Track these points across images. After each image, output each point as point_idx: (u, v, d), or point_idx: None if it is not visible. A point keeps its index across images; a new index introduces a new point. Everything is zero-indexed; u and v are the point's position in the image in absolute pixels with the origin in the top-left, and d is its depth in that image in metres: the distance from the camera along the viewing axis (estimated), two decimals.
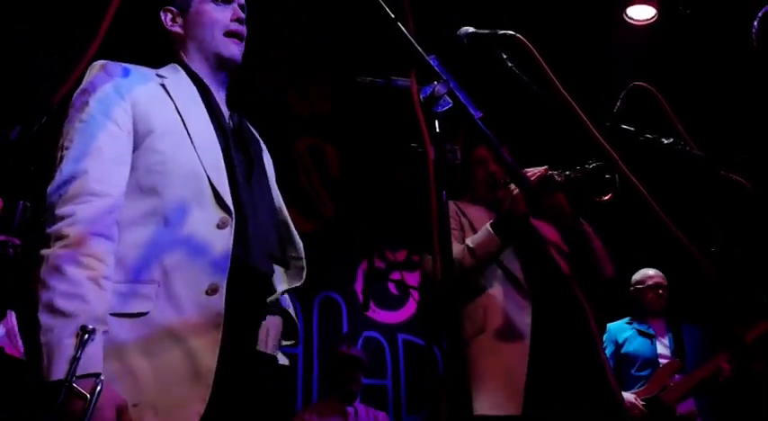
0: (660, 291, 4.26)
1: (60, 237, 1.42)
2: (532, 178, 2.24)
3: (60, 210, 1.45)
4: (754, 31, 2.29)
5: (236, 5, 1.84)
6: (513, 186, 2.28)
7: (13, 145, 0.76)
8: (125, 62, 1.71)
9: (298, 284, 1.76)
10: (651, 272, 4.36)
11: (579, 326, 2.38)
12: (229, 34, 1.81)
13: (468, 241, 2.37)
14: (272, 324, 1.66)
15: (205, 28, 1.80)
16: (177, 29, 1.83)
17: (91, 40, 0.92)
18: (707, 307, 4.06)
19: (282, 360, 1.70)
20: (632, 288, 4.39)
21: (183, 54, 1.83)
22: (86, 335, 1.31)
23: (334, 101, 5.53)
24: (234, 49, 1.82)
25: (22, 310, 1.45)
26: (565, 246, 2.56)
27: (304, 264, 1.79)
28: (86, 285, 1.40)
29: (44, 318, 1.36)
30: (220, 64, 1.82)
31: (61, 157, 1.51)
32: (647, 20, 4.94)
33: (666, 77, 4.76)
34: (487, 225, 2.36)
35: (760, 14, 2.25)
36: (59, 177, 1.48)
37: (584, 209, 2.43)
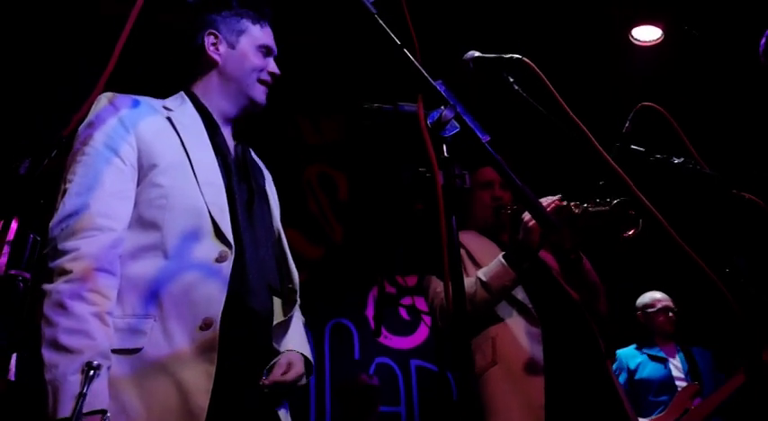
0: (670, 314, 4.24)
1: (63, 272, 1.42)
2: (548, 208, 2.18)
3: (63, 245, 1.45)
4: (761, 48, 2.29)
5: (272, 59, 1.91)
6: (526, 215, 2.22)
7: (22, 178, 0.76)
8: (131, 87, 1.73)
9: (290, 315, 1.74)
10: (658, 295, 4.33)
11: (591, 352, 2.32)
12: (262, 82, 1.87)
13: (481, 274, 2.29)
14: (294, 358, 1.67)
15: (245, 70, 1.84)
16: (216, 56, 1.85)
17: (100, 72, 0.93)
18: (720, 329, 4.02)
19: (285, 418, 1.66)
20: (640, 312, 4.34)
21: (201, 80, 1.85)
22: (92, 372, 1.30)
23: (343, 127, 5.57)
24: (263, 96, 1.87)
25: (27, 344, 1.45)
26: (563, 276, 2.49)
27: (297, 297, 1.79)
28: (91, 321, 1.40)
29: (48, 355, 1.35)
30: (246, 104, 1.86)
31: (64, 191, 1.52)
32: (654, 41, 4.95)
33: (674, 97, 4.77)
34: (500, 257, 2.28)
35: (767, 31, 2.25)
36: (62, 211, 1.48)
37: (607, 243, 2.36)
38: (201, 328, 1.48)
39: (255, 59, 1.85)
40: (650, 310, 4.28)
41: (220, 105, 1.83)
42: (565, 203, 2.23)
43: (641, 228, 2.12)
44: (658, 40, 4.92)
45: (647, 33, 4.92)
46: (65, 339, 1.36)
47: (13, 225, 1.41)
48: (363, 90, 4.73)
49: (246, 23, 1.87)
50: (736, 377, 3.78)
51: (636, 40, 4.94)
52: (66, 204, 1.49)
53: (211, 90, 1.84)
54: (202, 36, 1.85)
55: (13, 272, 0.73)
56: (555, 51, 4.65)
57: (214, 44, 1.85)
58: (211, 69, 1.84)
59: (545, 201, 2.23)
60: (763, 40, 2.29)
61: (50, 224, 1.47)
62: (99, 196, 1.52)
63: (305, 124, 5.30)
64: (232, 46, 1.85)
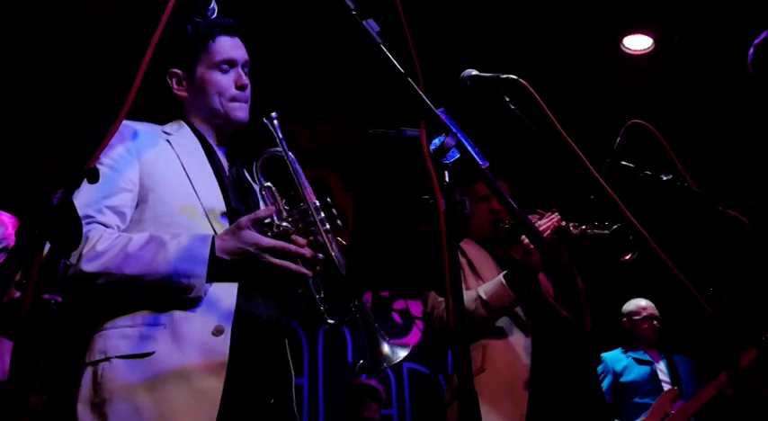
0: (654, 322, 4.33)
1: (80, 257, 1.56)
2: (546, 231, 2.24)
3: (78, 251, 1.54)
4: (749, 59, 2.33)
5: (239, 69, 1.88)
6: (525, 238, 2.28)
7: (55, 209, 0.81)
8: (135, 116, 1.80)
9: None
10: (643, 303, 4.41)
11: (578, 367, 2.38)
12: (233, 100, 1.87)
13: (481, 292, 2.35)
14: None
15: (211, 96, 1.85)
16: (183, 92, 1.88)
17: (120, 104, 0.98)
18: (701, 340, 4.11)
19: None
20: (625, 319, 4.43)
21: (187, 114, 1.91)
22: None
23: (337, 131, 5.61)
24: (240, 114, 1.88)
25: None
26: (555, 294, 2.55)
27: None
28: (122, 235, 1.60)
29: (144, 265, 1.54)
30: (227, 125, 1.89)
31: None
32: (645, 49, 5.02)
33: (665, 106, 4.85)
34: (501, 278, 2.34)
35: (756, 42, 2.29)
36: None
37: (605, 266, 2.41)
38: (213, 334, 1.54)
39: (219, 82, 1.85)
40: (636, 318, 4.36)
41: (205, 130, 1.89)
42: (564, 224, 2.29)
43: (639, 252, 2.18)
44: (649, 49, 4.99)
45: (637, 42, 4.99)
46: (132, 248, 1.55)
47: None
48: (360, 93, 4.78)
49: (198, 47, 1.86)
50: (715, 380, 3.87)
51: (627, 48, 5.01)
52: None
53: (196, 119, 1.90)
54: (167, 77, 1.88)
55: (46, 296, 0.78)
56: (546, 60, 4.72)
57: (178, 81, 1.88)
58: (189, 103, 1.89)
59: (544, 220, 2.29)
60: (752, 50, 2.34)
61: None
62: (99, 208, 1.63)
63: (300, 129, 5.34)
64: (191, 77, 1.86)
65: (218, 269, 1.58)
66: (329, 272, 1.71)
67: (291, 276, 1.65)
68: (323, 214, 1.68)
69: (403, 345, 1.67)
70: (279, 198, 1.77)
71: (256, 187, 1.89)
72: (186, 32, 1.86)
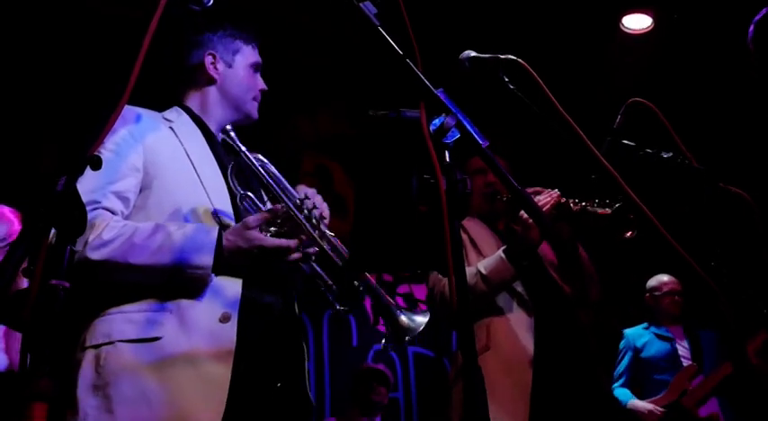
0: (676, 298, 4.29)
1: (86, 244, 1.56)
2: (546, 206, 2.25)
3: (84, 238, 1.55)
4: (750, 36, 2.32)
5: (260, 76, 2.04)
6: (524, 213, 2.29)
7: (60, 195, 0.82)
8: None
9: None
10: (665, 278, 4.38)
11: (580, 345, 2.40)
12: (255, 99, 2.01)
13: (481, 267, 2.37)
14: None
15: (242, 88, 1.97)
16: (215, 74, 1.96)
17: (121, 90, 0.99)
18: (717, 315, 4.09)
19: None
20: (648, 294, 4.41)
21: (195, 95, 1.95)
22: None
23: (338, 118, 5.61)
24: (255, 113, 2.02)
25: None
26: (559, 266, 2.57)
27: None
28: (127, 224, 1.61)
29: (151, 254, 1.56)
30: (241, 117, 1.99)
31: None
32: (644, 29, 4.99)
33: (665, 85, 4.83)
34: (501, 253, 2.36)
35: (756, 19, 2.28)
36: None
37: (607, 243, 2.42)
38: (221, 321, 1.56)
39: (250, 78, 1.99)
40: (657, 294, 4.34)
41: (218, 119, 1.95)
42: (563, 200, 2.31)
43: (639, 229, 2.20)
44: (648, 29, 4.97)
45: (637, 21, 4.96)
46: (138, 238, 1.56)
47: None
48: (360, 81, 4.78)
49: (240, 44, 2.00)
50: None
51: (626, 28, 4.99)
52: None
53: (209, 105, 1.95)
54: (202, 55, 1.95)
55: (54, 282, 0.79)
56: (545, 40, 4.70)
57: (213, 63, 1.96)
58: (209, 86, 1.96)
59: (543, 196, 2.30)
60: (752, 28, 2.33)
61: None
62: (105, 193, 1.64)
63: (301, 118, 5.34)
64: (229, 65, 1.98)
65: (223, 263, 1.61)
66: (326, 262, 1.74)
67: (294, 272, 1.73)
68: (306, 210, 1.69)
69: (422, 312, 1.69)
70: (259, 204, 1.80)
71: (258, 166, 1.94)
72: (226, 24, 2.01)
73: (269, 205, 1.81)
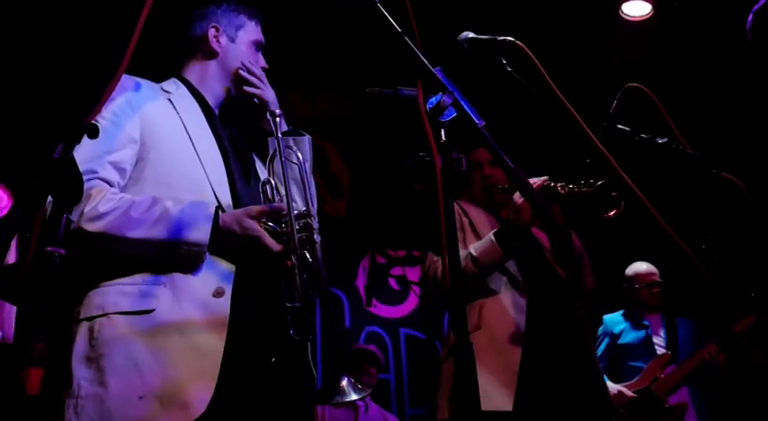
0: (654, 289, 4.28)
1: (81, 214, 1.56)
2: (535, 188, 2.28)
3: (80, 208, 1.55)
4: (748, 25, 2.32)
5: (261, 54, 2.02)
6: (516, 196, 2.32)
7: (57, 163, 0.82)
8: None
9: None
10: (644, 267, 4.36)
11: (573, 328, 2.43)
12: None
13: (472, 249, 2.40)
14: None
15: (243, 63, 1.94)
16: (218, 47, 1.95)
17: (119, 58, 0.98)
18: (698, 301, 4.12)
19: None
20: (625, 284, 4.41)
21: (195, 67, 1.94)
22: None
23: (334, 100, 5.59)
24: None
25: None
26: (553, 252, 2.59)
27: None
28: (124, 197, 1.60)
29: (148, 228, 1.56)
30: (238, 93, 1.96)
31: None
32: (643, 16, 4.98)
33: (663, 72, 4.83)
34: (491, 235, 2.39)
35: (755, 9, 2.28)
36: None
37: (590, 223, 2.45)
38: (214, 296, 1.57)
39: (252, 55, 1.97)
40: (635, 285, 4.35)
41: (216, 92, 1.94)
42: (551, 184, 2.32)
43: (623, 208, 2.21)
44: (648, 16, 4.96)
45: (636, 8, 4.95)
46: (134, 212, 1.56)
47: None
48: (358, 63, 4.76)
49: (243, 19, 1.99)
50: (705, 347, 3.92)
51: (625, 14, 4.97)
52: None
53: (208, 78, 1.94)
54: (205, 27, 1.94)
55: (49, 248, 0.79)
56: (544, 25, 4.68)
57: (215, 36, 1.95)
58: (210, 59, 1.95)
59: (532, 181, 2.32)
60: (751, 17, 2.33)
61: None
62: (102, 163, 1.63)
63: (296, 98, 5.32)
64: (232, 39, 1.96)
65: (217, 242, 1.61)
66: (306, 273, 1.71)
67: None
68: (302, 222, 1.68)
69: (363, 390, 1.70)
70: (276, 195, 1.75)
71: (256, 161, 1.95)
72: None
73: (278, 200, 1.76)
